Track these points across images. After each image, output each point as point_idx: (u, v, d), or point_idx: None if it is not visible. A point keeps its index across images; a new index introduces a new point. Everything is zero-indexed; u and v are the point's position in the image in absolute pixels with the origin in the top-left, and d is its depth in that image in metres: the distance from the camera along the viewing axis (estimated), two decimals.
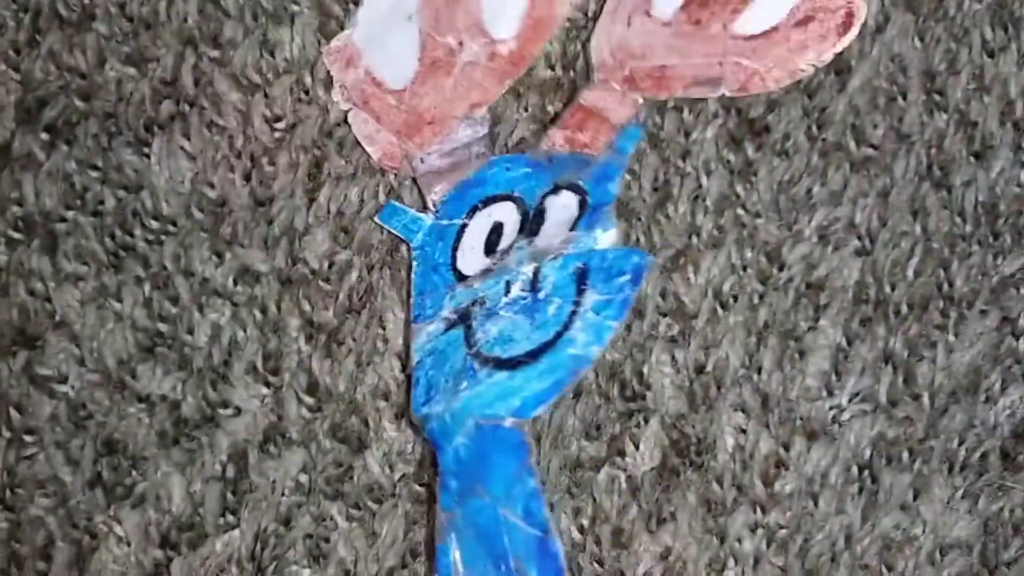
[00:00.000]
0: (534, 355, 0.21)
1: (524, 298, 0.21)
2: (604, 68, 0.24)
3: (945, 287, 0.25)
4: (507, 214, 0.23)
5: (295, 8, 0.26)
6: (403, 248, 0.25)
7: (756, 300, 0.25)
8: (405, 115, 0.24)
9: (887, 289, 0.25)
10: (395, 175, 0.25)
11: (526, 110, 0.25)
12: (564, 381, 0.21)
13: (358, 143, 0.25)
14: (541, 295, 0.21)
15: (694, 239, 0.25)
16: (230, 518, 0.23)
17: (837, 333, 0.25)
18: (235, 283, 0.24)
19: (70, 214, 0.24)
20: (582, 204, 0.22)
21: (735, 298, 0.25)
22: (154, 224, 0.24)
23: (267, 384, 0.24)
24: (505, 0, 0.24)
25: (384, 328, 0.24)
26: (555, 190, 0.23)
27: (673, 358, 0.24)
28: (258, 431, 0.23)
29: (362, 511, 0.23)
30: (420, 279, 0.23)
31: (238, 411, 0.23)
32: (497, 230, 0.23)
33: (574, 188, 0.23)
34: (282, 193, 0.24)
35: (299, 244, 0.24)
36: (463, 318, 0.22)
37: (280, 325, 0.24)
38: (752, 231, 0.25)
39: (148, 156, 0.24)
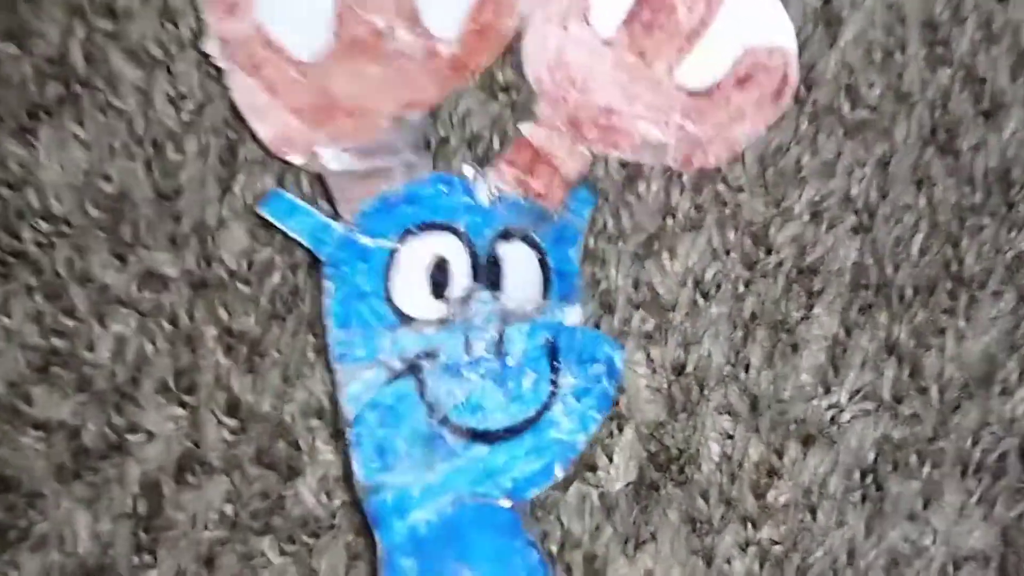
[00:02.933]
0: (514, 431, 0.22)
1: (489, 361, 0.22)
2: (545, 94, 0.24)
3: (954, 266, 0.25)
4: (452, 251, 0.23)
5: None
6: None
7: (741, 288, 0.24)
8: (312, 95, 0.23)
9: (889, 271, 0.25)
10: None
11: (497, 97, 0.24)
12: (552, 466, 0.22)
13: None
14: (510, 362, 0.22)
15: (669, 220, 0.24)
16: (145, 558, 0.22)
17: (834, 323, 0.24)
18: (140, 289, 0.23)
19: None
20: (543, 264, 0.23)
21: (718, 287, 0.24)
22: (44, 225, 0.23)
23: (181, 404, 0.23)
24: None
25: (315, 336, 0.23)
26: (506, 235, 0.23)
27: (649, 357, 0.24)
28: (173, 458, 0.23)
29: (297, 546, 0.23)
30: (341, 307, 0.22)
31: (149, 436, 0.23)
32: (442, 268, 0.22)
33: (530, 241, 0.23)
34: (191, 184, 0.24)
35: (212, 242, 0.23)
36: (412, 369, 0.22)
37: (194, 336, 0.23)
38: (735, 209, 0.24)
39: (34, 147, 0.23)
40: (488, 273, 0.23)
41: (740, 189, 0.25)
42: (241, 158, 0.24)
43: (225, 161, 0.24)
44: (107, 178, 0.23)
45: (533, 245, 0.23)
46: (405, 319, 0.22)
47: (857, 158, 0.25)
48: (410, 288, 0.22)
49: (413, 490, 0.21)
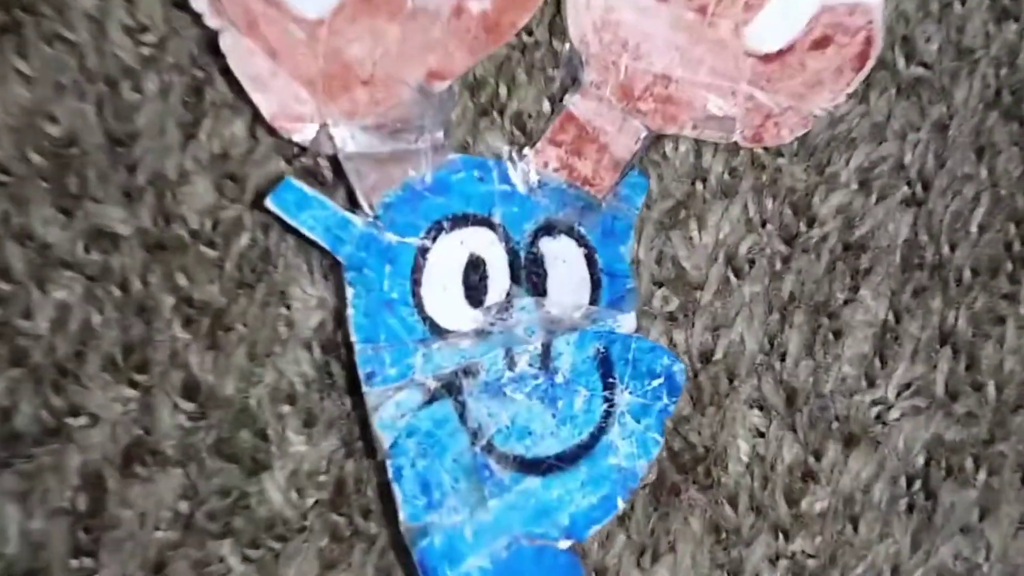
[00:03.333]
0: (568, 459, 0.20)
1: (535, 377, 0.21)
2: (592, 60, 0.22)
3: (1017, 246, 0.24)
4: (488, 248, 0.21)
5: None
6: None
7: (779, 265, 0.23)
8: (321, 60, 0.21)
9: (945, 250, 0.24)
10: (297, 147, 0.21)
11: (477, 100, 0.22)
12: (613, 498, 0.21)
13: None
14: (558, 378, 0.21)
15: (699, 186, 0.23)
16: (85, 562, 0.21)
17: (882, 307, 0.23)
18: (87, 250, 0.22)
19: None
20: (590, 262, 0.21)
21: (752, 263, 0.23)
22: None
23: (131, 384, 0.21)
24: None
25: (288, 308, 0.22)
26: (548, 229, 0.21)
27: (672, 341, 0.23)
28: (119, 447, 0.21)
29: (261, 551, 0.21)
30: (365, 318, 0.20)
31: (93, 420, 0.21)
32: (476, 268, 0.21)
33: (575, 235, 0.21)
34: (149, 129, 0.22)
35: (172, 197, 0.22)
36: (449, 389, 0.20)
37: (148, 305, 0.22)
38: (774, 175, 0.23)
39: None
40: (529, 274, 0.21)
41: (779, 153, 0.23)
42: (208, 101, 0.22)
43: (189, 103, 0.22)
44: (52, 119, 0.22)
45: (579, 240, 0.21)
46: (438, 330, 0.20)
47: (911, 121, 0.24)
48: (442, 294, 0.20)
49: (465, 532, 0.20)
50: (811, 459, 0.23)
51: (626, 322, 0.21)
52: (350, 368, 0.21)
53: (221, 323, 0.22)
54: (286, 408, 0.21)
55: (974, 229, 0.24)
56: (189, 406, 0.21)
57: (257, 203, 0.21)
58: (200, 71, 0.22)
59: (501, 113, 0.22)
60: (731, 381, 0.23)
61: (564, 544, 0.20)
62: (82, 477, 0.21)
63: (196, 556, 0.21)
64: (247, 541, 0.21)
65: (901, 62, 0.24)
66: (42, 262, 0.21)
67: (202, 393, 0.21)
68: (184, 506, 0.21)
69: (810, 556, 0.22)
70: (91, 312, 0.21)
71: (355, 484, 0.21)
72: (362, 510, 0.21)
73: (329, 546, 0.21)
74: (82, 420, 0.21)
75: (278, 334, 0.21)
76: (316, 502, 0.21)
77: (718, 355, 0.23)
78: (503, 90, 0.22)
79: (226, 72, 0.22)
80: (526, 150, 0.21)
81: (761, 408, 0.23)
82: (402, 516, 0.20)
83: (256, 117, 0.22)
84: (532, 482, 0.20)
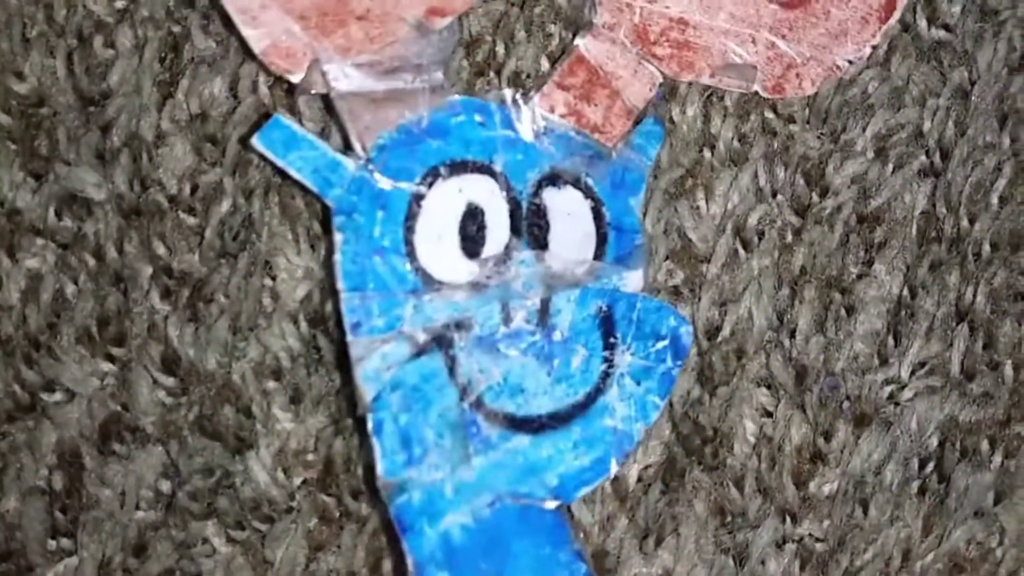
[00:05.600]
0: (561, 418, 0.20)
1: (532, 334, 0.20)
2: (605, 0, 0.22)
3: None
4: (487, 196, 0.20)
5: None
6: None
7: (790, 237, 0.23)
8: None
9: (963, 222, 0.23)
10: (285, 84, 0.21)
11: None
12: (606, 460, 0.21)
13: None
14: (556, 336, 0.21)
15: (707, 153, 0.23)
16: (63, 543, 0.21)
17: (896, 282, 0.23)
18: (59, 216, 0.21)
19: None
20: (597, 215, 0.21)
21: (761, 235, 0.23)
22: None
23: (108, 358, 0.21)
24: None
25: (273, 278, 0.21)
26: (553, 179, 0.21)
27: None
28: (96, 423, 0.21)
29: (247, 532, 0.21)
30: (353, 265, 0.20)
31: (69, 395, 0.21)
32: (474, 217, 0.20)
33: (581, 186, 0.21)
34: (123, 87, 0.22)
35: (148, 160, 0.22)
36: (439, 342, 0.20)
37: (124, 275, 0.21)
38: (786, 142, 0.23)
39: None
40: (530, 226, 0.21)
41: (791, 119, 0.23)
42: (186, 57, 0.21)
43: (166, 60, 0.21)
44: (19, 76, 0.21)
45: (586, 191, 0.21)
46: (430, 282, 0.20)
47: (931, 86, 0.23)
48: (437, 243, 0.20)
49: (446, 489, 0.20)
50: (820, 440, 0.22)
51: (632, 279, 0.21)
52: (338, 343, 0.21)
53: (202, 294, 0.21)
54: (271, 384, 0.21)
55: (994, 201, 0.23)
56: (169, 381, 0.21)
57: (240, 167, 0.21)
58: (177, 25, 0.21)
59: (498, 73, 0.21)
60: (738, 358, 0.22)
61: (551, 505, 0.20)
62: (58, 455, 0.21)
63: (178, 537, 0.21)
64: (232, 522, 0.21)
65: (922, 24, 0.23)
66: (11, 229, 0.21)
67: (182, 368, 0.21)
68: (165, 485, 0.21)
69: (818, 540, 0.22)
70: (64, 282, 0.21)
71: (344, 463, 0.21)
72: (352, 490, 0.21)
73: (318, 527, 0.21)
74: (57, 395, 0.21)
75: (262, 306, 0.21)
76: (304, 482, 0.21)
77: (725, 331, 0.22)
78: (500, 48, 0.21)
79: (205, 27, 0.22)
80: (532, 93, 0.21)
81: (769, 387, 0.22)
82: (379, 471, 0.19)
83: (237, 75, 0.21)
84: (521, 441, 0.20)
